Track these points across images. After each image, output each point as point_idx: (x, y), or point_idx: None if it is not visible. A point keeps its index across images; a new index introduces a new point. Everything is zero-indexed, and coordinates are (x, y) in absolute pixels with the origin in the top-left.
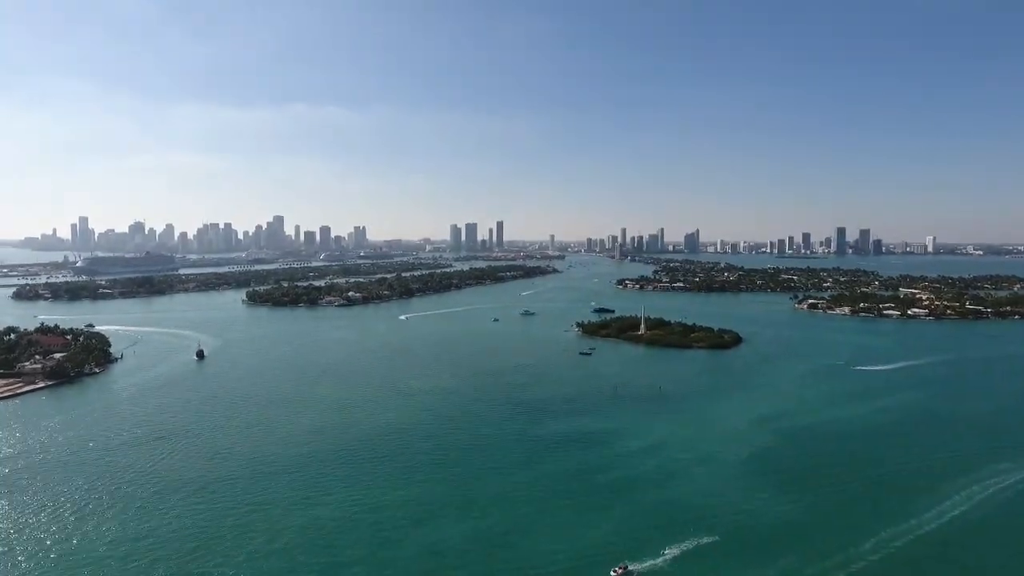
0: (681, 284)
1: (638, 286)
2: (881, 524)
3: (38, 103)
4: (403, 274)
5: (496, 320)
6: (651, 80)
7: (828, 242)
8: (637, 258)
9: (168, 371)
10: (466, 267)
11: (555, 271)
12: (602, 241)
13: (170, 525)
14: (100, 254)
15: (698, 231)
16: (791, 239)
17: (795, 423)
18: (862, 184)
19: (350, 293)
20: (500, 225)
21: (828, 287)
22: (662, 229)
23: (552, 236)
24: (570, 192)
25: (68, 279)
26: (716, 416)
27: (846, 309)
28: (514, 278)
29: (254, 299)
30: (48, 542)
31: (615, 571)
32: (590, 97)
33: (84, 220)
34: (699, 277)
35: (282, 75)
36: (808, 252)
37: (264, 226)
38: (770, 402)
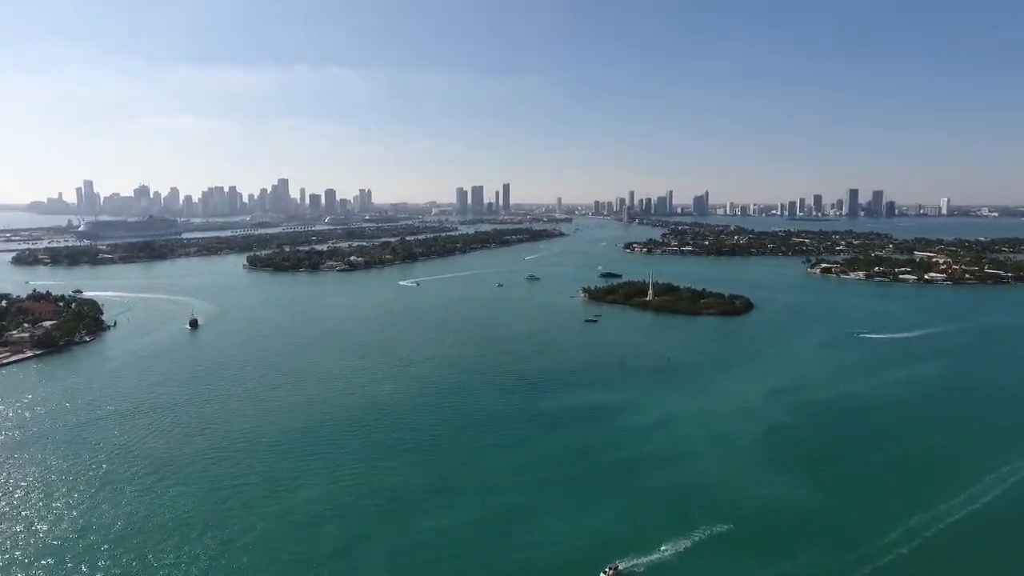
0: (690, 248)
1: (646, 250)
2: (908, 510)
3: (40, 66)
4: (407, 238)
5: (500, 285)
6: (660, 42)
7: (840, 204)
8: (645, 221)
9: (160, 340)
10: (471, 231)
11: (562, 234)
12: (610, 204)
13: (148, 508)
14: (104, 218)
15: (707, 193)
16: (802, 201)
17: (812, 396)
18: (874, 145)
19: (352, 258)
20: (506, 188)
21: (841, 250)
22: (671, 191)
23: (559, 199)
24: (578, 154)
25: (70, 244)
26: (728, 389)
27: (861, 274)
28: (520, 241)
29: (255, 264)
30: (18, 527)
31: (605, 572)
32: (598, 58)
33: (89, 184)
34: (708, 240)
35: (283, 35)
36: (819, 214)
37: (269, 189)
38: (785, 373)
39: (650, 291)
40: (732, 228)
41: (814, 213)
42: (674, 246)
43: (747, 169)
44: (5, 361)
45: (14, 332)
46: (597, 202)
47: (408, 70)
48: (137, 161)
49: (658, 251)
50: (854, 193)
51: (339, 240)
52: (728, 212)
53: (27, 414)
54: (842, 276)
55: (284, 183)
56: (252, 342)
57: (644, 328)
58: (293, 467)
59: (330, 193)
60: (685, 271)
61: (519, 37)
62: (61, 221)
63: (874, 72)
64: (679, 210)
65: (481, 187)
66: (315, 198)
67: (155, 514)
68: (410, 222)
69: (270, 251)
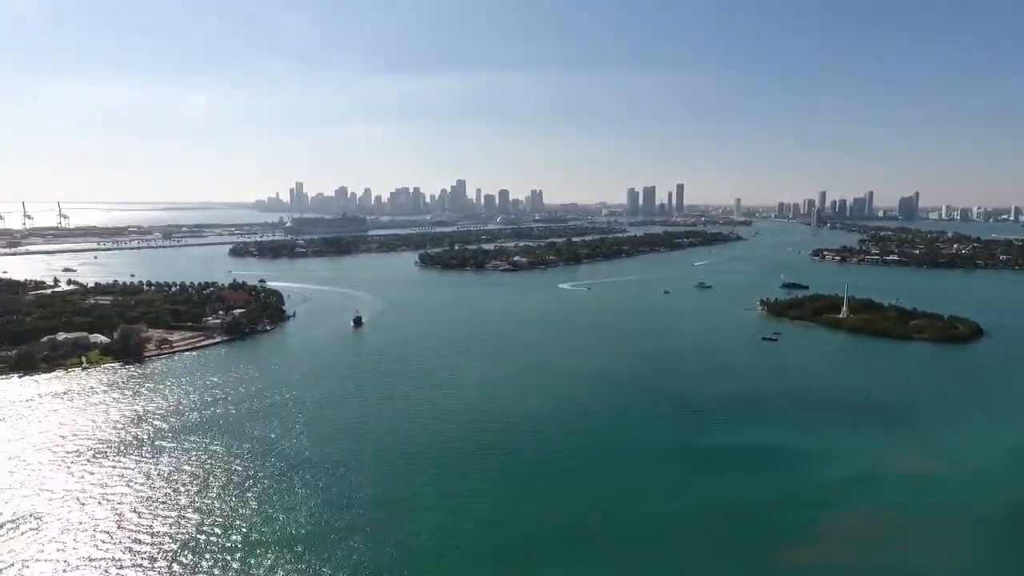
0: (895, 257)
1: (839, 258)
2: None
3: (259, 80)
4: (573, 239)
5: (667, 292)
6: (851, 34)
7: None
8: (838, 225)
9: (327, 334)
10: (640, 232)
11: (739, 238)
12: (796, 206)
13: (268, 515)
14: (309, 215)
15: (917, 194)
16: None
17: None
18: None
19: (516, 258)
20: (680, 188)
21: None
22: (871, 192)
23: (738, 200)
24: (759, 153)
25: (276, 238)
26: (954, 443)
27: None
28: (692, 245)
29: (426, 261)
30: (143, 517)
31: None
32: (783, 52)
33: (300, 185)
34: (919, 249)
35: (463, 42)
36: None
37: (448, 190)
38: None
39: (844, 307)
40: (950, 235)
41: None
42: (874, 254)
43: (968, 166)
44: (199, 344)
45: (209, 318)
46: (781, 204)
47: (583, 70)
48: (339, 164)
49: (854, 260)
50: None
51: (507, 240)
52: (943, 216)
53: (206, 397)
54: None
55: (462, 184)
56: (407, 342)
57: (836, 352)
58: (417, 486)
59: (503, 193)
60: (889, 284)
61: (697, 32)
62: (275, 218)
63: None
64: (880, 213)
65: (653, 187)
66: (489, 198)
67: (272, 522)
68: (579, 223)
69: (440, 249)
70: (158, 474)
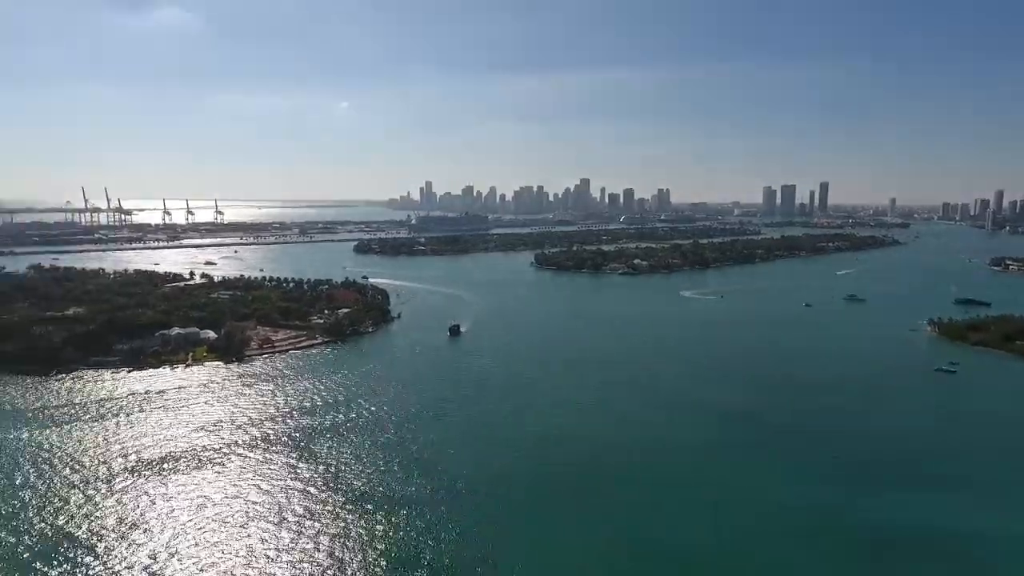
0: None
1: None
2: None
3: (395, 88)
4: (700, 241)
5: (808, 306)
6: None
7: None
8: (1021, 229)
9: (424, 341)
10: (777, 235)
11: (896, 242)
12: (964, 206)
13: (340, 559)
14: (436, 213)
15: None
16: None
17: None
18: None
19: (636, 261)
20: (824, 187)
21: None
22: None
23: (893, 200)
24: (917, 148)
25: (401, 236)
26: None
27: None
28: (838, 250)
29: (541, 262)
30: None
31: None
32: (940, 35)
33: (429, 184)
34: None
35: (590, 40)
36: None
37: (572, 189)
38: None
39: None
40: None
41: None
42: None
43: None
44: (300, 344)
45: (313, 317)
46: (946, 204)
47: (713, 64)
48: (469, 162)
49: None
50: None
51: (629, 240)
52: None
53: (288, 406)
54: None
55: (586, 182)
56: (508, 354)
57: None
58: (497, 536)
59: (628, 192)
60: None
61: (835, 15)
62: (404, 215)
63: None
64: None
65: (792, 186)
66: (614, 197)
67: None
68: (707, 223)
69: (558, 250)
70: (211, 496)
